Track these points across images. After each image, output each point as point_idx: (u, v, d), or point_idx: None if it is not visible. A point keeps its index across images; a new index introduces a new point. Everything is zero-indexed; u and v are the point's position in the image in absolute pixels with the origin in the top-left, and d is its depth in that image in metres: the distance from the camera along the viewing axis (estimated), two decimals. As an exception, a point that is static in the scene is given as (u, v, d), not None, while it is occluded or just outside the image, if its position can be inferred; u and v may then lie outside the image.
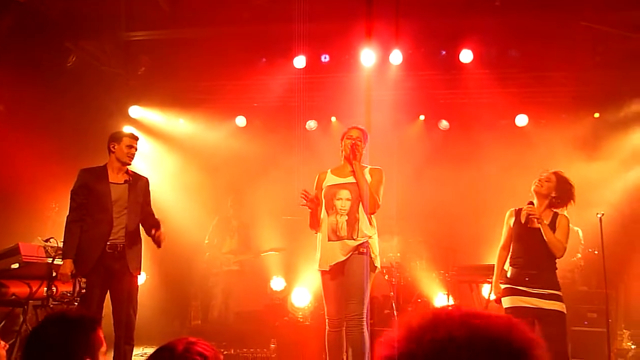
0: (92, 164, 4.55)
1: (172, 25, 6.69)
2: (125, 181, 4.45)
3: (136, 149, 4.52)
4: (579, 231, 6.15)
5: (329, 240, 4.06)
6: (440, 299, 6.60)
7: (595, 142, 7.27)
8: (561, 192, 4.02)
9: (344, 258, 4.00)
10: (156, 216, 4.62)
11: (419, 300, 6.66)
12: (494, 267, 4.39)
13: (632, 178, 7.15)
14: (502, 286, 4.11)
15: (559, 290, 3.94)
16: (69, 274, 4.16)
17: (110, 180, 4.39)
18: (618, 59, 6.60)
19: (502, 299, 4.06)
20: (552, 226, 3.98)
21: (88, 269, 4.18)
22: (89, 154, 6.90)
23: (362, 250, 4.01)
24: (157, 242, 4.42)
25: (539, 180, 4.06)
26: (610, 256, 5.69)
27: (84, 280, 4.16)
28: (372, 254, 4.06)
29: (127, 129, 7.38)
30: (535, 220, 3.91)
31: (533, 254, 3.96)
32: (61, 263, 4.40)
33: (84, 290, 4.16)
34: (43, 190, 6.33)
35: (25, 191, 6.05)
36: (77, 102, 6.93)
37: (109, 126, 7.42)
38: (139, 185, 4.52)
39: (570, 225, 4.13)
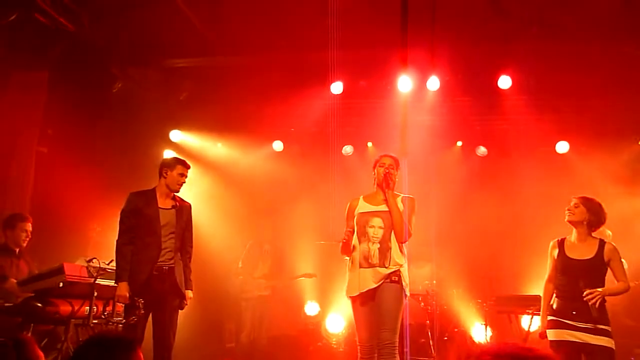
0: (134, 186, 4.69)
1: (213, 53, 6.88)
2: (173, 206, 4.57)
3: (186, 178, 4.64)
4: (624, 262, 5.94)
5: (360, 267, 4.08)
6: (478, 329, 6.46)
7: (638, 169, 7.07)
8: (593, 212, 3.97)
9: (375, 285, 4.01)
10: (194, 240, 4.75)
11: (456, 329, 6.54)
12: (535, 298, 4.32)
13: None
14: (548, 318, 4.00)
15: (608, 325, 3.79)
16: (127, 295, 4.24)
17: (159, 205, 4.50)
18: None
19: (547, 331, 3.96)
20: (600, 258, 3.87)
21: (136, 292, 4.26)
22: (131, 176, 7.12)
23: (394, 278, 4.02)
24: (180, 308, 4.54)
25: (569, 210, 4.02)
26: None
27: (141, 300, 4.22)
28: (403, 282, 4.05)
29: (170, 153, 7.62)
30: (599, 298, 3.78)
31: (580, 287, 3.83)
32: (104, 283, 4.52)
33: (142, 311, 4.22)
34: (86, 211, 6.52)
35: (69, 212, 6.23)
36: (121, 127, 7.18)
37: (151, 149, 7.66)
38: (184, 210, 4.63)
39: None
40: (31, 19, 5.77)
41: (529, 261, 6.71)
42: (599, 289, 3.77)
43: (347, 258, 4.25)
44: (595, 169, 7.03)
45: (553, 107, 7.05)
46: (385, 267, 4.02)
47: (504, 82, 6.89)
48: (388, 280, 4.00)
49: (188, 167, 4.67)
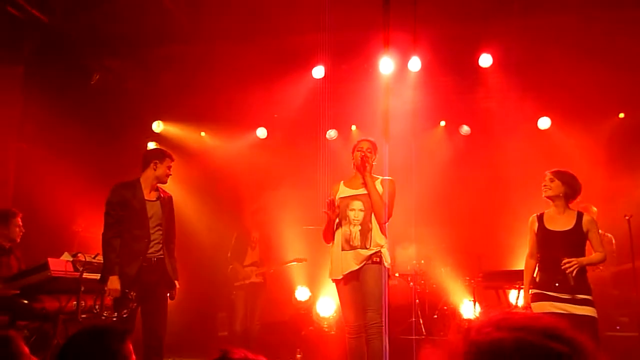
0: (117, 179, 4.63)
1: (192, 40, 6.79)
2: (157, 198, 4.54)
3: (171, 172, 4.63)
4: (612, 238, 6.02)
5: (342, 250, 4.16)
6: (467, 305, 6.53)
7: (620, 143, 7.14)
8: (568, 184, 4.04)
9: (357, 267, 4.10)
10: (179, 230, 4.74)
11: (445, 307, 6.60)
12: (521, 273, 4.34)
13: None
14: (531, 291, 4.07)
15: (590, 294, 3.87)
16: (119, 288, 4.20)
17: (145, 197, 4.46)
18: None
19: (532, 304, 4.02)
20: (579, 228, 3.95)
21: (126, 285, 4.23)
22: (114, 169, 7.05)
23: (375, 259, 4.10)
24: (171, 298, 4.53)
25: (545, 185, 4.08)
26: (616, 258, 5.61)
27: (133, 293, 4.20)
28: (384, 262, 4.12)
29: (153, 144, 7.56)
30: (577, 267, 3.85)
31: (561, 258, 3.90)
32: (90, 277, 4.49)
33: (134, 305, 4.20)
34: (69, 206, 6.45)
35: (52, 208, 6.17)
36: (100, 119, 7.09)
37: (133, 141, 7.58)
38: (167, 201, 4.61)
39: (602, 231, 4.10)
40: (3, 11, 5.65)
41: (515, 237, 6.77)
42: (576, 259, 3.84)
43: (330, 244, 4.30)
44: (577, 144, 7.09)
45: (534, 84, 7.07)
46: (367, 249, 4.10)
47: (485, 60, 6.89)
48: (370, 261, 4.08)
49: (174, 160, 4.67)
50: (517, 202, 6.75)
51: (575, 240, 3.95)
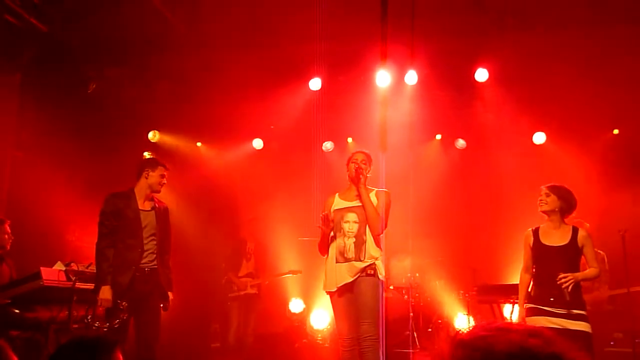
0: (112, 188, 4.61)
1: (189, 50, 6.81)
2: (152, 208, 4.52)
3: (165, 181, 4.60)
4: (605, 256, 6.01)
5: (336, 262, 4.14)
6: (461, 319, 6.51)
7: (615, 159, 7.18)
8: (564, 199, 4.06)
9: (352, 279, 4.07)
10: (174, 239, 4.73)
11: (439, 321, 6.58)
12: (515, 287, 4.34)
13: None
14: (526, 305, 4.07)
15: (584, 309, 3.87)
16: (110, 298, 4.17)
17: (139, 207, 4.44)
18: (637, 73, 6.55)
19: (526, 318, 4.01)
20: (574, 244, 3.96)
21: (119, 295, 4.21)
22: (109, 178, 7.02)
23: (369, 271, 4.08)
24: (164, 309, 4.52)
25: (540, 200, 4.10)
26: (636, 274, 5.61)
27: (125, 304, 4.18)
28: (379, 274, 4.11)
29: (147, 154, 7.55)
30: (572, 282, 3.85)
31: (556, 273, 3.90)
32: (83, 286, 4.46)
33: (125, 315, 4.16)
34: (63, 215, 6.43)
35: (46, 216, 6.15)
36: (97, 128, 7.08)
37: (129, 151, 7.57)
38: (162, 211, 4.59)
39: (595, 249, 4.12)
40: (1, 20, 5.66)
41: (510, 251, 6.77)
42: (572, 274, 3.85)
43: (325, 256, 4.28)
44: (572, 160, 7.13)
45: (530, 99, 7.12)
46: (361, 261, 4.08)
47: (481, 75, 6.94)
48: (364, 274, 4.07)
49: (168, 169, 4.64)
50: (512, 216, 6.76)
51: (570, 255, 3.96)
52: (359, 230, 4.15)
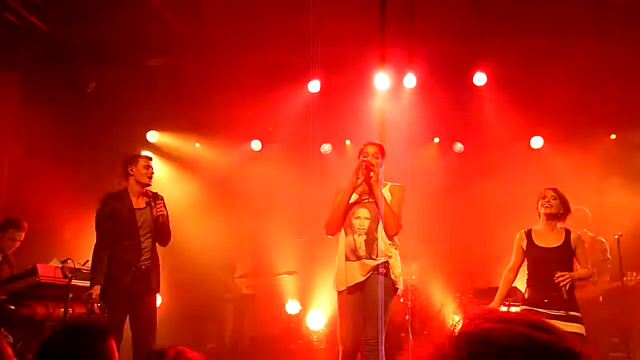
0: (109, 187, 4.62)
1: (189, 51, 6.84)
2: (147, 204, 4.49)
3: (153, 169, 4.56)
4: (607, 246, 5.92)
5: (347, 260, 3.92)
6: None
7: (612, 163, 7.20)
8: (565, 206, 4.10)
9: (363, 279, 3.85)
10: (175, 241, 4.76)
11: (436, 324, 6.57)
12: (512, 290, 4.34)
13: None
14: (520, 307, 4.07)
15: (578, 311, 3.88)
16: (98, 297, 4.14)
17: (134, 206, 4.43)
18: (635, 78, 6.58)
19: None
20: (568, 245, 3.98)
21: (118, 295, 4.21)
22: (107, 177, 7.02)
23: (382, 270, 3.84)
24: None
25: (548, 202, 4.07)
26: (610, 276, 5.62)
27: (104, 305, 4.15)
28: (392, 275, 3.88)
29: (147, 154, 7.54)
30: (570, 281, 3.85)
31: (550, 275, 3.91)
32: (79, 284, 4.46)
33: (105, 314, 4.14)
34: (61, 213, 6.43)
35: (44, 214, 6.14)
36: (95, 128, 7.09)
37: (127, 151, 7.55)
38: (157, 203, 4.53)
39: (596, 236, 4.15)
40: (1, 18, 5.67)
41: (506, 254, 6.76)
42: (569, 273, 3.87)
43: (331, 237, 4.07)
44: (569, 164, 7.13)
45: (527, 103, 7.14)
46: (373, 259, 3.85)
47: (479, 78, 6.98)
48: (376, 272, 3.83)
49: (150, 159, 4.61)
50: (509, 219, 6.75)
51: (564, 256, 3.98)
52: (369, 227, 3.91)
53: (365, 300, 3.84)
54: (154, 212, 4.44)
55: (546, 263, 3.97)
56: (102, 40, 6.47)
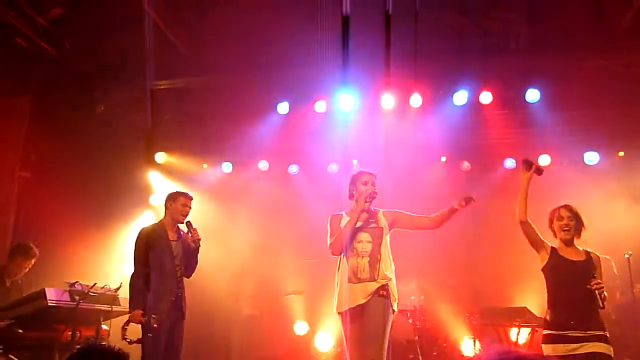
0: (119, 209, 4.75)
1: (195, 73, 6.92)
2: (178, 237, 4.80)
3: (190, 208, 4.83)
4: (612, 262, 5.85)
5: (349, 282, 4.08)
6: (467, 343, 6.44)
7: (620, 181, 7.15)
8: (581, 223, 3.88)
9: (364, 301, 4.01)
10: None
11: (444, 344, 6.51)
12: (521, 310, 4.22)
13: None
14: (544, 332, 3.78)
15: (605, 329, 3.61)
16: (142, 317, 4.27)
17: (170, 239, 4.72)
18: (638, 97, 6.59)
19: (544, 346, 3.71)
20: (590, 261, 3.76)
21: (159, 322, 4.37)
22: (117, 199, 7.08)
23: (382, 292, 4.02)
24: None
25: (566, 225, 3.85)
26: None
27: (153, 316, 4.31)
28: (391, 296, 4.06)
29: (155, 175, 7.66)
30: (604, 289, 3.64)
31: (577, 290, 3.65)
32: (87, 307, 4.53)
33: (155, 325, 4.29)
34: (71, 235, 6.46)
35: (54, 236, 6.18)
36: (104, 150, 7.15)
37: (135, 172, 7.63)
38: (194, 230, 4.83)
39: (602, 255, 3.97)
40: (13, 44, 5.78)
41: (514, 273, 6.73)
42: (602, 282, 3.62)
43: (336, 276, 4.22)
44: (576, 182, 7.10)
45: (533, 121, 7.14)
46: (375, 281, 4.03)
47: (485, 97, 7.00)
48: (376, 294, 4.01)
49: (190, 198, 4.89)
50: (516, 238, 6.71)
51: (586, 272, 3.71)
52: (372, 249, 4.13)
53: (366, 321, 3.98)
54: (193, 237, 4.77)
55: (570, 276, 3.72)
56: (110, 64, 6.57)
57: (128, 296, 4.53)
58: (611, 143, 7.39)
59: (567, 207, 3.91)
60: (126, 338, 4.27)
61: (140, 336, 4.26)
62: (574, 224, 3.85)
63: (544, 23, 6.30)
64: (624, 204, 6.93)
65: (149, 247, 4.55)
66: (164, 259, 4.59)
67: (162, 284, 4.50)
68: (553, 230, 3.97)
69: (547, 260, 3.85)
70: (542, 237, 3.93)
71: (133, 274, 4.54)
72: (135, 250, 4.62)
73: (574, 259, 3.77)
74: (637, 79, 6.45)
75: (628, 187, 7.08)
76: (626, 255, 5.25)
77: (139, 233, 4.70)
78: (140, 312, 4.28)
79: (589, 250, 3.89)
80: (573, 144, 7.38)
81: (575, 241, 3.90)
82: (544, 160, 7.60)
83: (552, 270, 3.81)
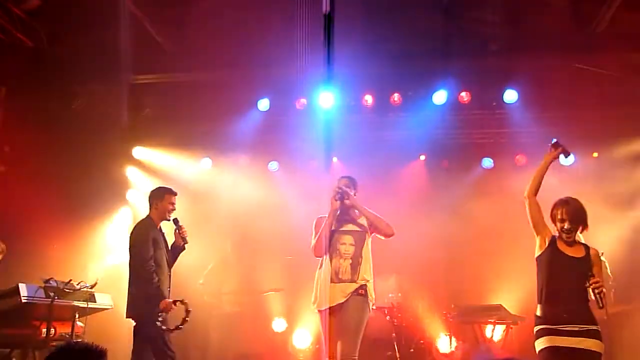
0: (95, 204, 4.69)
1: (175, 68, 6.85)
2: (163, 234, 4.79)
3: (175, 206, 4.79)
4: (606, 262, 5.90)
5: (331, 282, 4.27)
6: (443, 340, 6.52)
7: (594, 181, 7.27)
8: (584, 221, 3.76)
9: (344, 300, 4.21)
10: None
11: (421, 341, 6.58)
12: (496, 307, 4.26)
13: (633, 218, 7.13)
14: (536, 328, 3.72)
15: (597, 325, 3.58)
16: (171, 302, 4.40)
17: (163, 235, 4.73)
18: (614, 99, 6.72)
19: (538, 340, 3.66)
20: (589, 259, 3.70)
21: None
22: (93, 193, 6.98)
23: (360, 292, 4.23)
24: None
25: (569, 222, 3.70)
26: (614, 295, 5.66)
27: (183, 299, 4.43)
28: (369, 296, 4.27)
29: (132, 170, 7.55)
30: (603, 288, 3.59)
31: (572, 286, 3.62)
32: (62, 303, 4.48)
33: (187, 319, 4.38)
34: (46, 230, 6.36)
35: (28, 231, 6.08)
36: (81, 144, 7.05)
37: (113, 166, 7.53)
38: (182, 227, 4.83)
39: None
40: (-12, 35, 5.66)
41: (490, 271, 6.83)
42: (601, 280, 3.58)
43: (316, 274, 4.35)
44: (551, 182, 7.19)
45: (511, 121, 7.25)
46: (355, 282, 4.25)
47: (465, 96, 7.08)
48: (355, 293, 4.22)
49: (175, 194, 4.84)
50: (495, 237, 6.83)
51: (583, 270, 3.65)
52: (355, 252, 4.33)
53: (344, 318, 4.18)
54: (182, 234, 4.76)
55: (568, 271, 3.67)
56: (88, 57, 6.46)
57: (137, 291, 4.46)
58: (586, 144, 7.52)
59: (569, 208, 3.75)
60: (169, 328, 4.36)
61: (178, 323, 4.36)
62: (574, 227, 3.73)
63: (522, 25, 6.38)
64: (598, 205, 7.05)
65: (153, 243, 4.51)
66: (162, 255, 4.61)
67: (165, 281, 4.56)
68: (555, 223, 3.83)
69: (544, 249, 3.78)
70: (545, 222, 3.82)
71: (145, 267, 4.39)
72: (140, 244, 4.49)
73: (573, 255, 3.69)
74: (613, 80, 6.58)
75: (602, 187, 7.21)
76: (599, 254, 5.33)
77: (140, 229, 4.62)
78: (168, 300, 4.36)
79: (589, 246, 3.78)
80: (548, 145, 7.47)
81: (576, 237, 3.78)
82: (520, 160, 7.72)
83: (547, 264, 3.74)
